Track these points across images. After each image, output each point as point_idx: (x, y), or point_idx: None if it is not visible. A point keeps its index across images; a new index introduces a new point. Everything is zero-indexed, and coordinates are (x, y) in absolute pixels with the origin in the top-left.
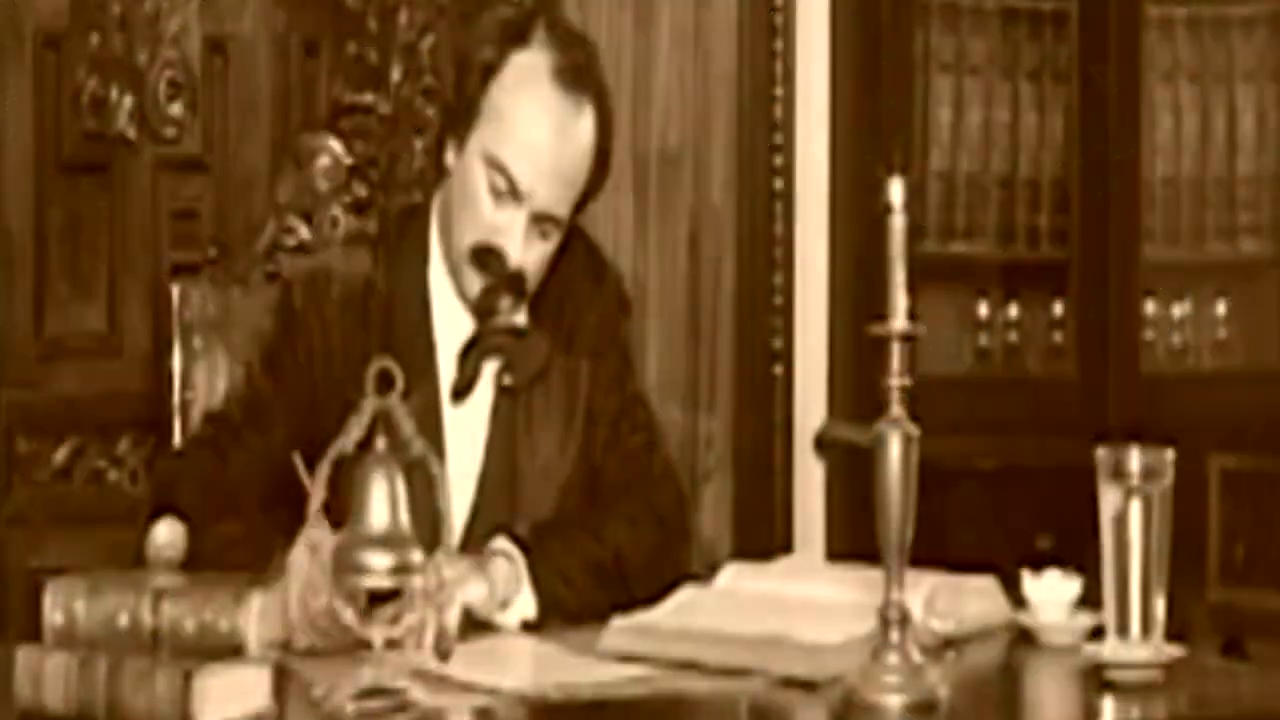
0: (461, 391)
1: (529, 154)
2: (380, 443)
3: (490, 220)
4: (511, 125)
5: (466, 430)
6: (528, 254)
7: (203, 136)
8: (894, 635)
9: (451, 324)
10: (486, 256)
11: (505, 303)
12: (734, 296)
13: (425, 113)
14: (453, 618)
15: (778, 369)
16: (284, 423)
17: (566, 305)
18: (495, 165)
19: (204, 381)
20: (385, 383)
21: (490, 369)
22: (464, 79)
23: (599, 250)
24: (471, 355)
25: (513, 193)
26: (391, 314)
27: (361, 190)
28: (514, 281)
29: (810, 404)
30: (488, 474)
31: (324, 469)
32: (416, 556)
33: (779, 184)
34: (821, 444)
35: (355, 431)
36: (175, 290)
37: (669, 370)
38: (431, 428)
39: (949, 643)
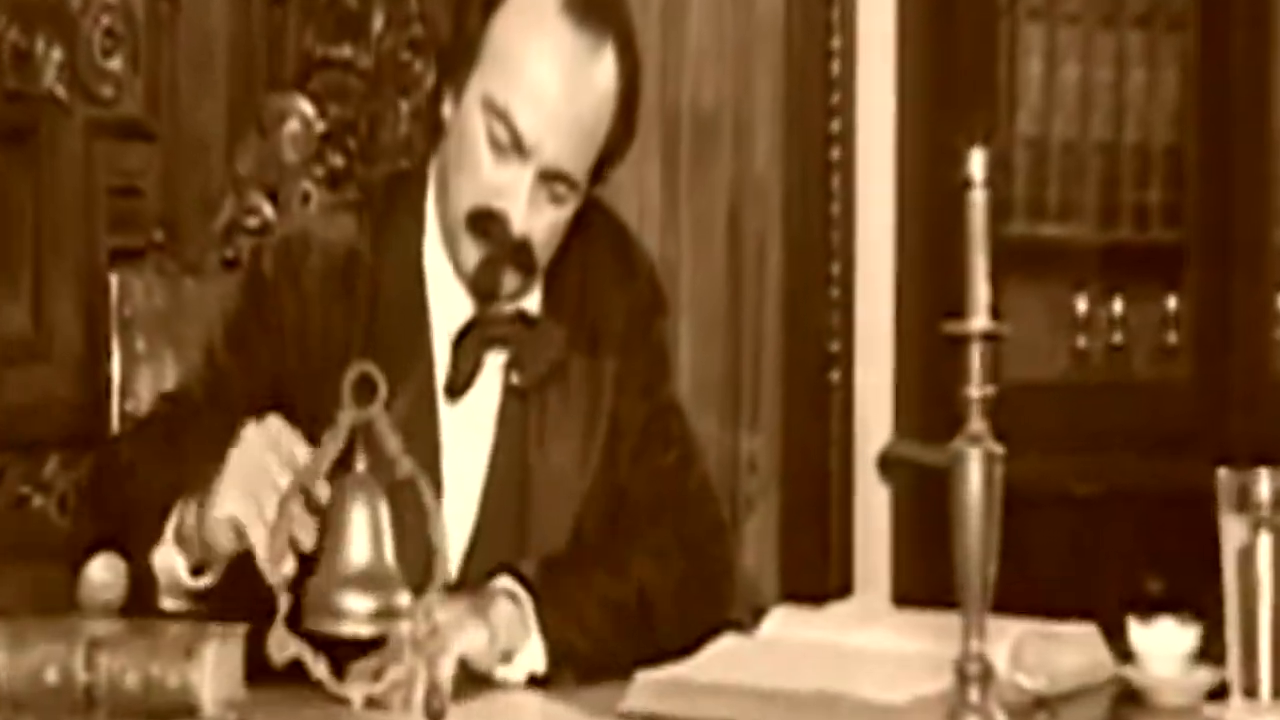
0: (458, 388)
1: (534, 97)
2: (360, 462)
3: (490, 179)
4: (515, 65)
5: (467, 439)
6: (535, 219)
7: (146, 97)
8: (973, 694)
9: (451, 310)
10: (485, 222)
11: (508, 278)
12: (781, 288)
13: (413, 68)
14: (447, 671)
15: (834, 375)
16: (249, 411)
17: (589, 296)
18: (495, 111)
19: (149, 390)
20: (367, 389)
21: (496, 364)
22: (462, 16)
23: (629, 233)
24: (468, 343)
25: (516, 145)
26: (379, 294)
27: (337, 160)
28: (518, 252)
29: (873, 417)
30: (491, 495)
31: (292, 493)
32: (403, 598)
33: (836, 153)
34: (887, 465)
35: (331, 448)
36: (114, 281)
37: (704, 376)
38: (425, 436)
39: (1040, 703)
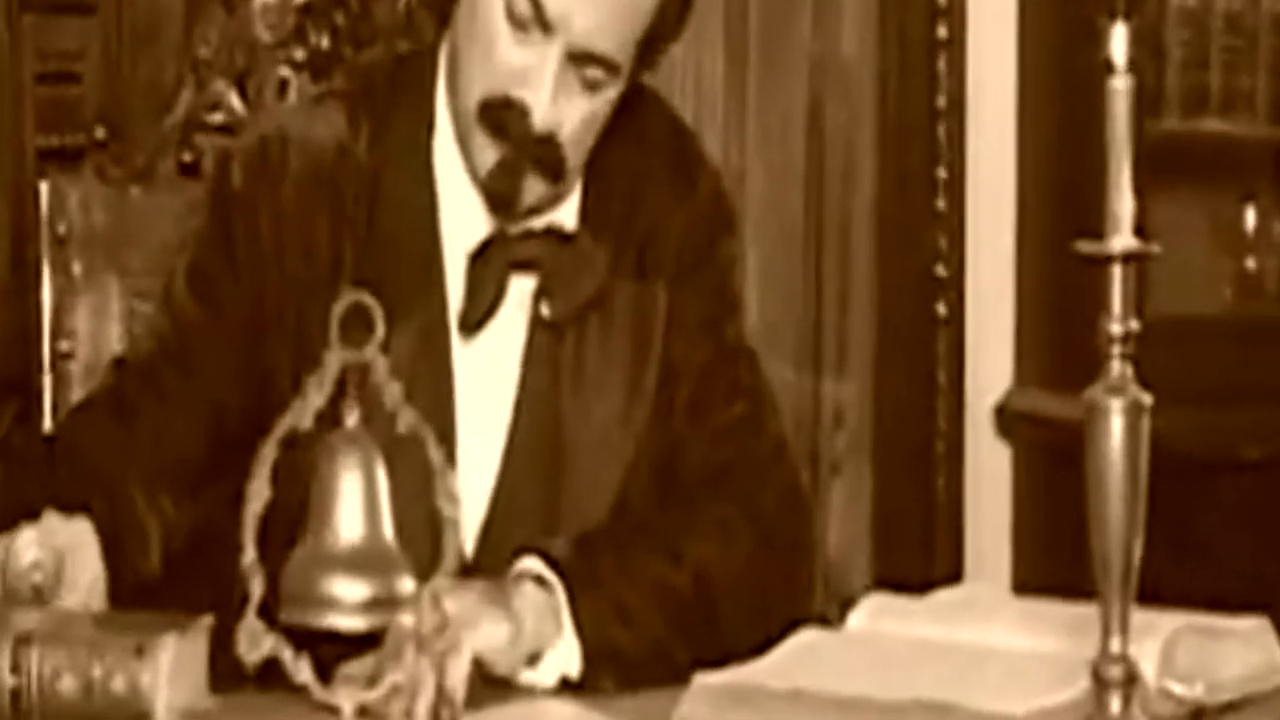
0: (475, 321)
1: None
2: (352, 414)
3: (508, 61)
4: None
5: (486, 386)
6: (563, 111)
7: None
8: (1114, 704)
9: (467, 225)
10: (500, 113)
11: (530, 183)
12: (875, 201)
13: None
14: (459, 675)
15: (940, 309)
16: (219, 365)
17: (638, 208)
18: None
19: (87, 325)
20: (361, 324)
21: (523, 292)
22: None
23: (687, 131)
24: (488, 265)
25: (539, 20)
26: (377, 206)
27: (321, 40)
28: (541, 149)
29: (988, 361)
30: (514, 455)
31: (269, 452)
32: (405, 584)
33: (942, 30)
34: (1006, 419)
35: (315, 398)
36: (45, 189)
37: (776, 311)
38: (433, 381)
39: (1198, 714)
